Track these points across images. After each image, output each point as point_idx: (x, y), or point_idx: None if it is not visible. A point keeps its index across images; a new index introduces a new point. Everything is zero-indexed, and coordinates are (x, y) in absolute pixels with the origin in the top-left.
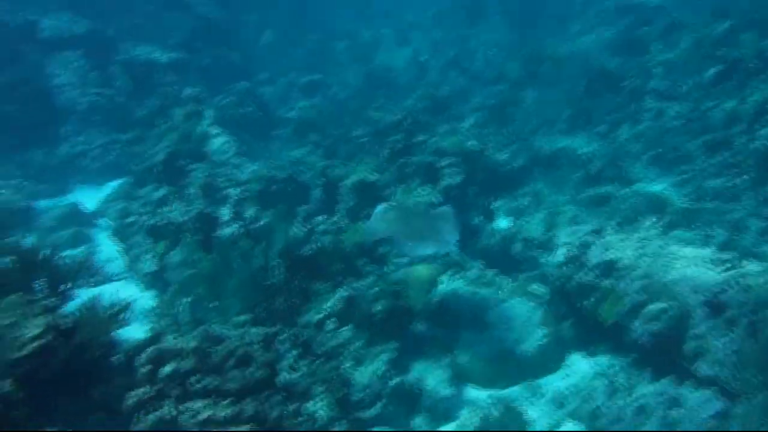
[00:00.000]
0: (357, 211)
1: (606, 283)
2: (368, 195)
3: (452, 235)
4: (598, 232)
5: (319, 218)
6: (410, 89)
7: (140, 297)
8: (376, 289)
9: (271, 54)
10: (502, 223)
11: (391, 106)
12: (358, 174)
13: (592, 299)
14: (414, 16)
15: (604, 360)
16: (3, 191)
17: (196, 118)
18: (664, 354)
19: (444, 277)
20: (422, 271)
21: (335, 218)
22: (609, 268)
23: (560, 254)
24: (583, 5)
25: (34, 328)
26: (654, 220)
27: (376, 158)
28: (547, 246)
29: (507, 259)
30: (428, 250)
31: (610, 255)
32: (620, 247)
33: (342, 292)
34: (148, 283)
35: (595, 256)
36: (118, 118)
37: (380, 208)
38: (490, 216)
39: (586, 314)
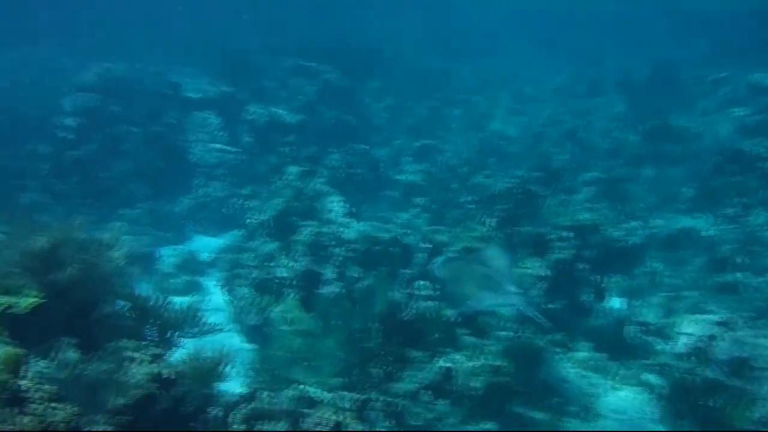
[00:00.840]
0: None
1: (737, 383)
2: None
3: (511, 284)
4: (727, 324)
5: (422, 283)
6: (522, 159)
7: (241, 349)
8: (477, 362)
9: (388, 119)
10: (614, 303)
11: (502, 174)
12: (464, 241)
13: (720, 400)
14: (532, 89)
15: None
16: (132, 237)
17: (310, 176)
18: None
19: (548, 356)
20: (526, 347)
21: (438, 284)
22: (740, 366)
23: (682, 344)
24: (714, 84)
25: (139, 375)
26: None
27: (482, 226)
28: (665, 333)
29: (619, 344)
30: (490, 300)
31: (742, 352)
32: (754, 343)
33: (440, 362)
34: (250, 335)
35: (723, 350)
36: (240, 173)
37: (440, 258)
38: (601, 295)
39: (710, 415)
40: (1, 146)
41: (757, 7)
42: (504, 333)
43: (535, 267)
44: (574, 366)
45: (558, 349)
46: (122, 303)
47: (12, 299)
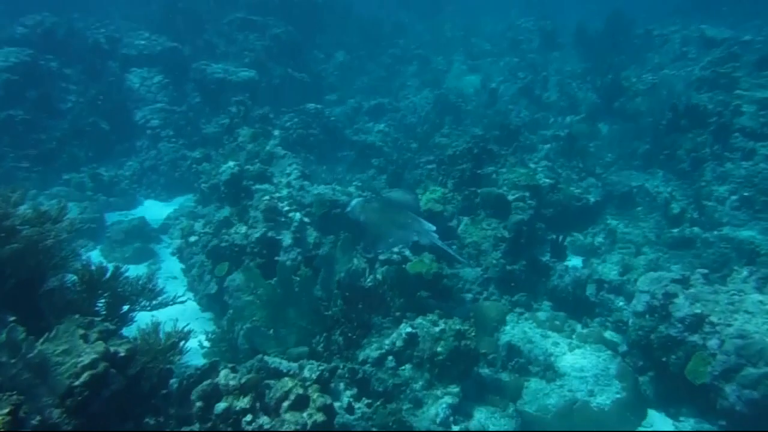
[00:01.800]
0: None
1: (695, 338)
2: (434, 225)
3: (427, 223)
4: (683, 282)
5: None
6: (479, 117)
7: (200, 318)
8: (440, 327)
9: (341, 75)
10: (573, 262)
11: (459, 133)
12: (424, 203)
13: (678, 355)
14: (487, 44)
15: (688, 424)
16: (78, 203)
17: (263, 138)
18: (763, 425)
19: (512, 316)
20: (489, 309)
21: (397, 248)
22: (698, 322)
23: (641, 302)
24: (663, 38)
25: (89, 354)
26: (746, 273)
27: (442, 187)
28: (623, 290)
29: (578, 303)
30: (413, 237)
31: (699, 308)
32: (710, 299)
33: (404, 328)
34: (207, 304)
35: (681, 308)
36: (189, 134)
37: (355, 201)
38: (559, 254)
39: (669, 371)
40: None
41: None
42: (468, 296)
43: (495, 228)
44: (535, 326)
45: (520, 310)
46: (71, 276)
47: None
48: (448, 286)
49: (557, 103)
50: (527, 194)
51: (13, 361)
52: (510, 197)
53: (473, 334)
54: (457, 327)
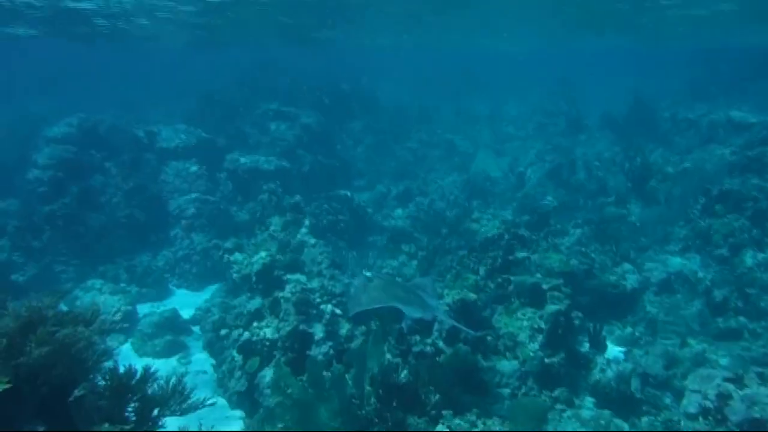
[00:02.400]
0: (455, 332)
1: None
2: (467, 315)
3: (435, 301)
4: (737, 381)
5: (416, 338)
6: (508, 200)
7: (228, 417)
8: (478, 428)
9: (369, 161)
10: (613, 353)
11: (489, 217)
12: (457, 292)
13: None
14: (513, 128)
15: None
16: (112, 296)
17: (294, 227)
18: None
19: (553, 414)
20: (529, 406)
21: (431, 339)
22: (756, 426)
23: (693, 403)
24: (689, 123)
25: None
26: None
27: (474, 274)
28: (670, 386)
29: (623, 399)
30: (417, 314)
31: (758, 412)
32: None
33: (440, 428)
34: (237, 402)
35: (737, 411)
36: (221, 223)
37: (357, 280)
38: (599, 345)
39: None
40: None
41: (727, 45)
42: (505, 390)
43: (531, 318)
44: (579, 425)
45: (561, 406)
46: (102, 381)
47: None
48: (484, 381)
49: (586, 186)
50: (562, 281)
51: None
52: (545, 285)
53: None
54: (497, 428)
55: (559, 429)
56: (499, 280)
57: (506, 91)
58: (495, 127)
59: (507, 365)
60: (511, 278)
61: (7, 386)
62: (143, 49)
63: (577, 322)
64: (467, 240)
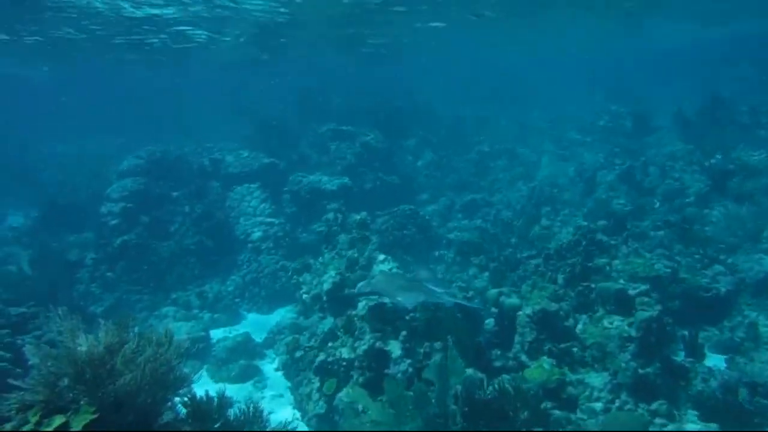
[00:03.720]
0: (538, 345)
1: None
2: (549, 326)
3: (438, 287)
4: None
5: (496, 352)
6: (578, 206)
7: None
8: None
9: (431, 175)
10: (713, 361)
11: (560, 224)
12: (536, 302)
13: None
14: (576, 133)
15: None
16: (185, 323)
17: (361, 244)
18: None
19: (653, 429)
20: (626, 421)
21: (512, 353)
22: None
23: None
24: None
25: None
26: None
27: (552, 283)
28: None
29: (731, 411)
30: (420, 298)
31: None
32: None
33: None
34: (316, 425)
35: None
36: (287, 245)
37: (361, 282)
38: (696, 353)
39: None
40: (53, 237)
41: None
42: (597, 405)
43: (619, 326)
44: None
45: (661, 421)
46: (182, 408)
47: (64, 419)
48: (574, 395)
49: (661, 188)
50: (648, 287)
51: None
52: (631, 291)
53: None
54: None
55: None
56: (580, 288)
57: (565, 96)
58: (557, 132)
59: (596, 378)
60: (593, 285)
61: (94, 417)
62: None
63: (668, 328)
64: (539, 249)
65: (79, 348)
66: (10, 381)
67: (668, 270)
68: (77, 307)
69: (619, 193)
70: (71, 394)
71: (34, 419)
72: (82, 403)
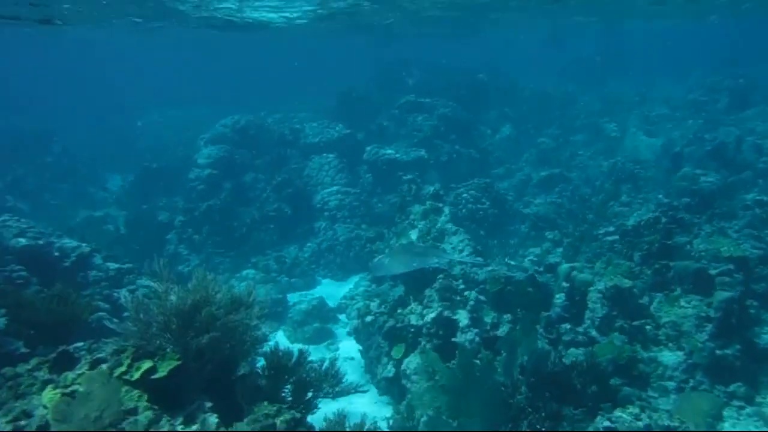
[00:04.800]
0: (609, 321)
1: None
2: (622, 303)
3: (448, 254)
4: None
5: (565, 326)
6: (661, 183)
7: (377, 402)
8: (643, 421)
9: (508, 149)
10: None
11: (641, 201)
12: (609, 279)
13: None
14: (663, 108)
15: None
16: (264, 285)
17: (434, 215)
18: None
19: (729, 411)
20: (701, 401)
21: (582, 328)
22: None
23: None
24: None
25: None
26: None
27: (627, 260)
28: None
29: None
30: (434, 263)
31: None
32: None
33: (601, 422)
34: (385, 388)
35: None
36: (362, 214)
37: (377, 259)
38: None
39: None
40: (146, 200)
41: None
42: (669, 384)
43: (697, 306)
44: (764, 425)
45: (739, 403)
46: (260, 361)
47: (152, 363)
48: (645, 372)
49: (756, 166)
50: (732, 267)
51: None
52: (712, 271)
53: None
54: (665, 422)
55: (738, 429)
56: (657, 266)
57: (656, 71)
58: (645, 107)
59: (670, 356)
60: (671, 264)
61: (177, 364)
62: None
63: (752, 311)
64: (617, 226)
65: (169, 300)
66: (107, 324)
67: (756, 251)
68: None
69: (708, 170)
70: (159, 342)
71: (126, 362)
72: (168, 350)
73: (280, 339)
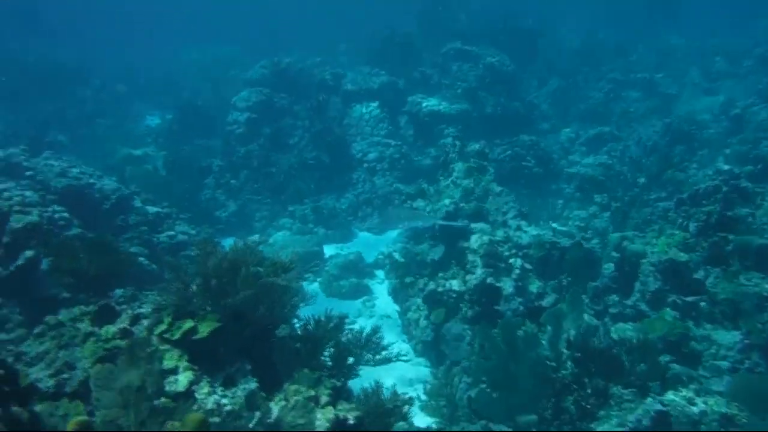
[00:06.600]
0: (662, 295)
1: None
2: (676, 277)
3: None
4: None
5: (613, 298)
6: (719, 146)
7: (415, 365)
8: (698, 407)
9: (555, 103)
10: None
11: (698, 166)
12: (663, 251)
13: None
14: (726, 63)
15: None
16: (301, 236)
17: (478, 174)
18: None
19: None
20: (759, 384)
21: (631, 301)
22: None
23: None
24: None
25: (321, 422)
26: None
27: (682, 231)
28: None
29: None
30: (419, 223)
31: None
32: None
33: (652, 405)
34: (422, 351)
35: None
36: (402, 167)
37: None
38: None
39: None
40: (185, 140)
41: None
42: (723, 363)
43: (758, 284)
44: None
45: None
46: (298, 324)
47: (193, 323)
48: (697, 351)
49: None
50: None
51: (252, 423)
52: None
53: (745, 420)
54: (722, 410)
55: None
56: (715, 238)
57: (716, 20)
58: (704, 62)
59: (725, 336)
60: (730, 237)
61: (218, 325)
62: None
63: None
64: (670, 192)
65: (208, 263)
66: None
67: None
68: (204, 210)
69: None
70: (198, 301)
71: (167, 320)
72: (208, 309)
73: (316, 292)
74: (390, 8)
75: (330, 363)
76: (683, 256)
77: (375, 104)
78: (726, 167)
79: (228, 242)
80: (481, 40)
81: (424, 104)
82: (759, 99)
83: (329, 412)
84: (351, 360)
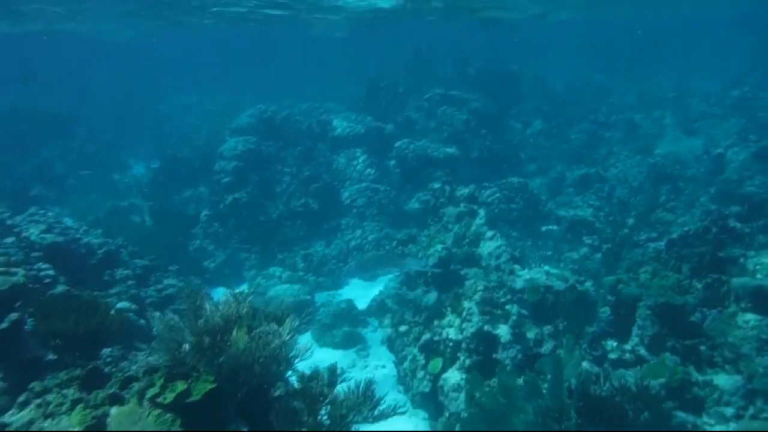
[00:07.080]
0: (660, 340)
1: None
2: (673, 320)
3: (419, 261)
4: None
5: (611, 343)
6: (703, 186)
7: (412, 417)
8: None
9: (540, 145)
10: None
11: (685, 206)
12: (657, 293)
13: None
14: (703, 104)
15: None
16: (291, 285)
17: (469, 218)
18: None
19: None
20: (759, 429)
21: (630, 346)
22: None
23: None
24: None
25: None
26: None
27: (675, 272)
28: None
29: None
30: (405, 267)
31: None
32: None
33: None
34: (420, 402)
35: None
36: (391, 212)
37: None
38: None
39: None
40: (171, 189)
41: None
42: (727, 410)
43: (756, 326)
44: None
45: None
46: (295, 383)
47: (186, 385)
48: (700, 397)
49: None
50: None
51: None
52: None
53: None
54: None
55: None
56: (709, 280)
57: (695, 63)
58: (683, 104)
59: (727, 380)
60: (725, 278)
61: (212, 386)
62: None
63: None
64: (660, 232)
65: (200, 321)
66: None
67: None
68: (192, 261)
69: (753, 173)
70: (191, 361)
71: (158, 382)
72: (201, 371)
73: (309, 342)
74: (381, 57)
75: (328, 421)
76: (679, 299)
77: (362, 149)
78: (713, 207)
79: (218, 292)
80: (466, 86)
81: (411, 148)
82: (738, 139)
83: None
84: (349, 417)
